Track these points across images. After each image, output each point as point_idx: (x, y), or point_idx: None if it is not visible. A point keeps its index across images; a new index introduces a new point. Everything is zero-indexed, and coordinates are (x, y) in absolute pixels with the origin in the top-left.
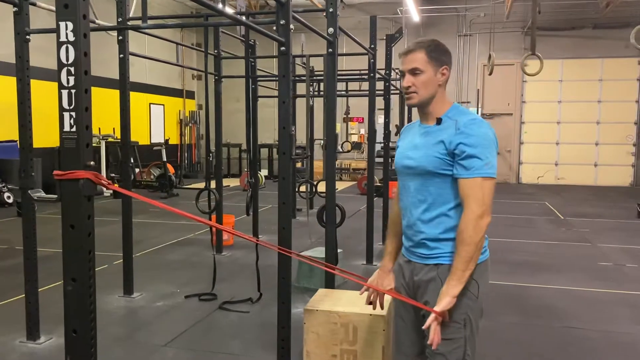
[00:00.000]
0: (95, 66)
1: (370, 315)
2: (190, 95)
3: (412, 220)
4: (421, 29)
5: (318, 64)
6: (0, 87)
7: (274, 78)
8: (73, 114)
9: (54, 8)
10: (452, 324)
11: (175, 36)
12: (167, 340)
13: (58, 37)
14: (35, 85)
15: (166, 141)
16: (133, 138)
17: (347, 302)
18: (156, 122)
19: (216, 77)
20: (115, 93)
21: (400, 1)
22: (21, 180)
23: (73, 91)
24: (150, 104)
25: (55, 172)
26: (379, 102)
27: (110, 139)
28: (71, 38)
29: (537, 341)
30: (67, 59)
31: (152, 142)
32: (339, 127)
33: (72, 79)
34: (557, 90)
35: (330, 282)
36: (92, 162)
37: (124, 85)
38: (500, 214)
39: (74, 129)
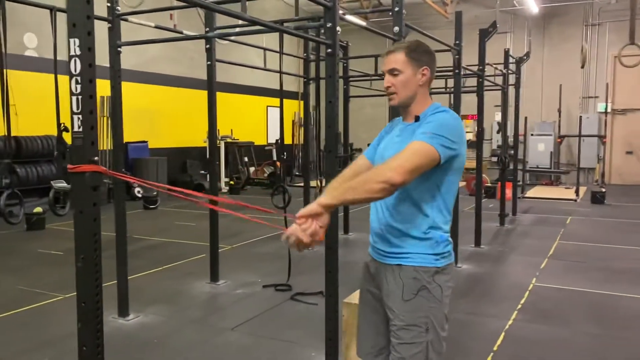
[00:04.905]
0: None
1: None
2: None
3: (380, 208)
4: (543, 21)
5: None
6: (132, 93)
7: (369, 78)
8: (80, 117)
9: (143, 22)
10: (413, 327)
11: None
12: (235, 325)
13: (69, 51)
14: (165, 91)
15: (276, 141)
16: (250, 138)
17: None
18: (273, 124)
19: (305, 79)
20: (232, 96)
21: None
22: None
23: (80, 97)
24: (267, 106)
25: (68, 166)
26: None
27: (228, 140)
28: (78, 52)
29: (611, 355)
30: (76, 70)
31: (268, 142)
32: None
33: (79, 87)
34: None
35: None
36: (96, 157)
37: (211, 89)
38: (619, 218)
39: (80, 129)
